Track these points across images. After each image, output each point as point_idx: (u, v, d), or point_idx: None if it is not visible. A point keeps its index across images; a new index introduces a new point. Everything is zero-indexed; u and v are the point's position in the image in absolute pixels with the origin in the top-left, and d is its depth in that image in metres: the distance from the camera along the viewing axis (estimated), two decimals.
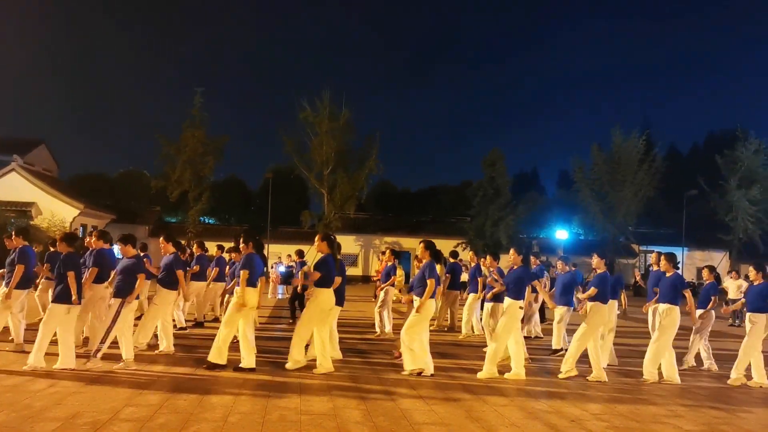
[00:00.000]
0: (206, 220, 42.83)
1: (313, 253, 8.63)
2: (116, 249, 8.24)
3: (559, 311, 9.93)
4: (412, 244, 35.68)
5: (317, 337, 7.76)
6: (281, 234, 36.03)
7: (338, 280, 8.11)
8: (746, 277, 15.76)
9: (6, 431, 4.83)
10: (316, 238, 8.18)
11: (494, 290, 9.25)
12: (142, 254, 12.28)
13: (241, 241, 7.91)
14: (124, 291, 7.43)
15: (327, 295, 7.82)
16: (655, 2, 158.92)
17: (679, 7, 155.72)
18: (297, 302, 12.74)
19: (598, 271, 8.41)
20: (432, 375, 7.70)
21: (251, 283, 7.55)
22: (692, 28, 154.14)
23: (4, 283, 8.40)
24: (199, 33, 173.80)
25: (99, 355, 7.25)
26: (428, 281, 7.66)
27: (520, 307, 8.03)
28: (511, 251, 8.38)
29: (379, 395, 6.63)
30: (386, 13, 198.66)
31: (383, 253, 11.76)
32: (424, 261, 7.94)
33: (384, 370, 8.05)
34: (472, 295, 12.09)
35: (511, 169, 47.36)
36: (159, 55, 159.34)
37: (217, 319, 12.01)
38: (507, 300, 8.16)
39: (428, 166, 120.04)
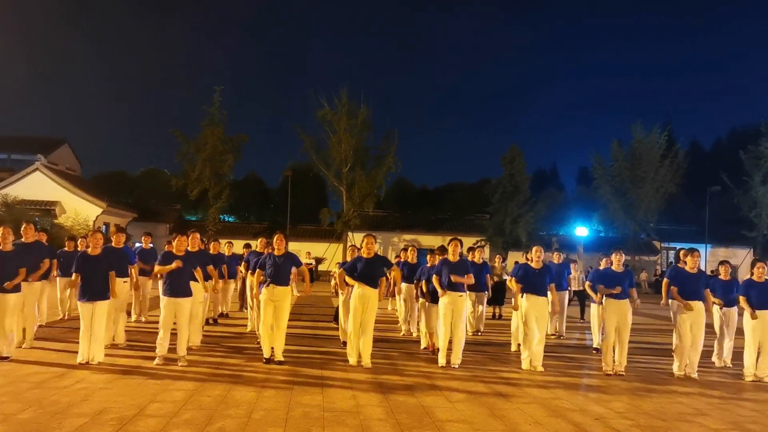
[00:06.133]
0: (226, 218, 43.09)
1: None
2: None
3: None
4: (431, 241, 35.57)
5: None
6: (301, 231, 36.13)
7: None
8: None
9: (34, 427, 4.89)
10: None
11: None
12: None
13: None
14: None
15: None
16: None
17: (702, 2, 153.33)
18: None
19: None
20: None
21: None
22: (715, 23, 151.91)
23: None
24: (219, 32, 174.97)
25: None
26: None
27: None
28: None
29: (402, 392, 6.63)
30: (403, 10, 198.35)
31: (404, 249, 11.81)
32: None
33: (406, 367, 8.05)
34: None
35: (530, 166, 46.92)
36: (179, 54, 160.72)
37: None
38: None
39: (446, 163, 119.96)
